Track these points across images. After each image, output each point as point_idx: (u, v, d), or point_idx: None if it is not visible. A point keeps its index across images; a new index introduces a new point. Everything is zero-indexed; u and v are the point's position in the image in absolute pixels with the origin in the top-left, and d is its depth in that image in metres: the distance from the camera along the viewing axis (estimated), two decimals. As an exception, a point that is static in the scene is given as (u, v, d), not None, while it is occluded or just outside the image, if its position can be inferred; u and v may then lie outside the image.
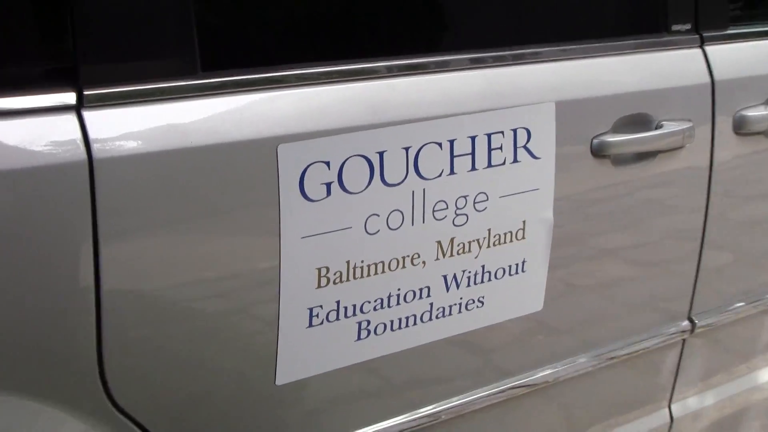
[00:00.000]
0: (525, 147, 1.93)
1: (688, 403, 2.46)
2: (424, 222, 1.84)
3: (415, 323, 1.89)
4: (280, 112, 1.69)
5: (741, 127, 2.30)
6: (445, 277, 1.90)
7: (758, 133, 2.34)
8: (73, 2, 1.50)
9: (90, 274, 1.53)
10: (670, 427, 2.43)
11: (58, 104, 1.51)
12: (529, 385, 2.11)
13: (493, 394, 2.07)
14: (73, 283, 1.53)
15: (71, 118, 1.51)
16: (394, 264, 1.82)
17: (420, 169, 1.81)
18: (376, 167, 1.76)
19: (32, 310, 1.51)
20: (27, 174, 1.47)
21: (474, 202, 1.89)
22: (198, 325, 1.67)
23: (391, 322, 1.85)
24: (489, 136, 1.88)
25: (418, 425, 1.97)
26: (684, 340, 2.37)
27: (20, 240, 1.48)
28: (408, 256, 1.84)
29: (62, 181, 1.50)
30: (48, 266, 1.51)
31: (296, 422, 1.83)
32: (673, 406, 2.43)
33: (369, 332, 1.83)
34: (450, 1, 2.14)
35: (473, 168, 1.88)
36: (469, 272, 1.93)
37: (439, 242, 1.87)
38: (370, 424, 1.91)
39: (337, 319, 1.78)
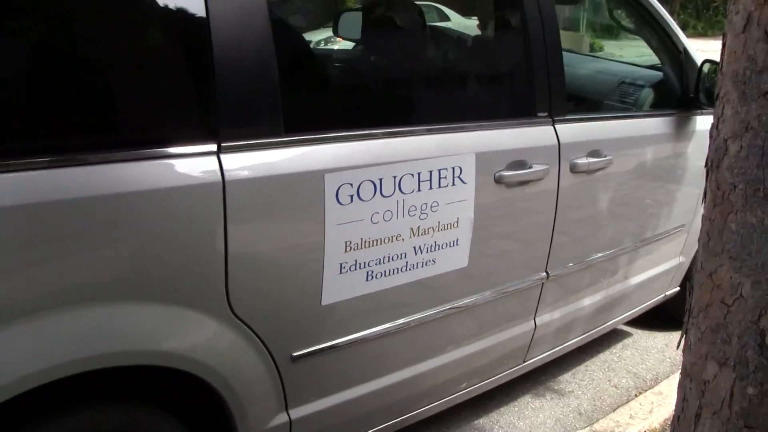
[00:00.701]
0: (459, 177, 1.93)
1: (545, 317, 2.45)
2: (403, 217, 1.83)
3: (398, 272, 1.88)
4: (326, 156, 1.69)
5: (573, 169, 2.27)
6: (414, 247, 1.89)
7: (582, 172, 2.31)
8: (217, 96, 1.52)
9: (222, 241, 1.54)
10: (534, 331, 2.42)
11: (207, 151, 1.53)
12: (457, 307, 2.10)
13: (439, 311, 2.05)
14: (212, 246, 1.54)
15: (214, 159, 1.53)
16: (387, 240, 1.82)
17: (402, 188, 1.81)
18: (377, 187, 1.76)
19: (191, 261, 1.52)
20: (192, 188, 1.50)
21: (431, 207, 1.89)
22: (281, 271, 1.67)
23: (385, 271, 1.84)
24: (439, 170, 1.88)
25: (397, 328, 1.95)
26: (543, 283, 2.36)
27: (185, 222, 1.50)
28: (395, 235, 1.83)
29: (209, 192, 1.51)
30: (199, 236, 1.53)
31: (331, 325, 1.81)
32: (536, 319, 2.42)
33: (373, 277, 1.82)
34: (418, 99, 2.16)
35: (430, 188, 1.87)
36: (428, 245, 1.92)
37: (411, 228, 1.87)
38: (371, 327, 1.89)
39: (355, 269, 1.78)
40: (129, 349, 1.49)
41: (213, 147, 1.53)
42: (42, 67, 1.41)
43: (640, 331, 3.36)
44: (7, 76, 1.36)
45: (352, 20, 2.96)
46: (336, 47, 4.90)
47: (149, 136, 1.49)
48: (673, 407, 1.53)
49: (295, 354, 1.74)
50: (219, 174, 1.52)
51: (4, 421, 1.40)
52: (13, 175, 1.32)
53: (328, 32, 5.84)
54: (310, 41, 4.68)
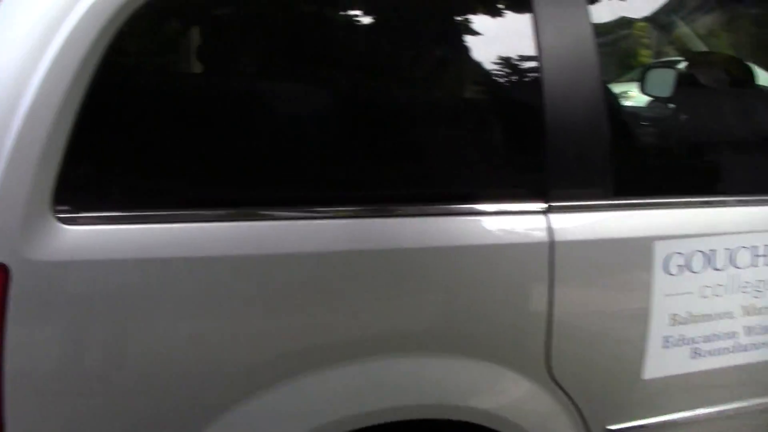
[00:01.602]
0: (799, 254, 1.80)
1: None
2: (735, 294, 1.76)
3: (726, 353, 1.79)
4: (656, 223, 1.68)
5: None
6: (745, 327, 1.79)
7: None
8: (548, 155, 1.58)
9: (546, 302, 1.56)
10: None
11: (538, 209, 1.58)
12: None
13: (760, 402, 1.90)
14: (536, 306, 1.57)
15: (543, 218, 1.58)
16: (716, 316, 1.75)
17: (735, 262, 1.74)
18: (709, 258, 1.71)
19: (512, 319, 1.57)
20: (519, 246, 1.56)
21: (767, 285, 1.79)
22: (603, 338, 1.65)
23: (713, 350, 1.77)
24: (778, 245, 1.78)
25: (721, 414, 1.85)
26: None
27: (509, 280, 1.56)
28: (724, 312, 1.76)
29: (537, 251, 1.56)
30: (523, 295, 1.57)
31: (651, 401, 1.76)
32: None
33: (698, 355, 1.75)
34: (751, 166, 2.06)
35: (767, 264, 1.78)
36: (762, 326, 1.81)
37: (743, 306, 1.78)
38: (693, 409, 1.81)
39: (681, 345, 1.72)
40: (439, 402, 1.56)
41: (543, 206, 1.58)
42: (377, 122, 1.57)
43: None
44: (335, 132, 1.54)
45: (663, 77, 2.92)
46: (629, 103, 4.83)
47: (479, 192, 1.58)
48: None
49: (611, 428, 1.71)
50: (548, 234, 1.56)
51: None
52: (328, 222, 1.43)
53: (620, 87, 5.77)
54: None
